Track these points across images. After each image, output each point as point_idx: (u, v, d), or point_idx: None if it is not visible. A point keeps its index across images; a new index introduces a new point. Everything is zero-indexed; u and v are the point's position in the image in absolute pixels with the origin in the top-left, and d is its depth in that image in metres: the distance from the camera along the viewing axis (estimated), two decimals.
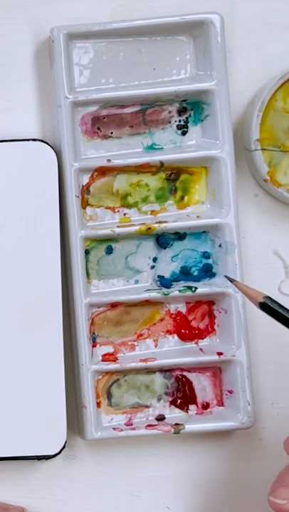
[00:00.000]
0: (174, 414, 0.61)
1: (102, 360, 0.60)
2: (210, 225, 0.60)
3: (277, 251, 0.62)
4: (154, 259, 0.61)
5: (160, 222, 0.60)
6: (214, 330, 0.61)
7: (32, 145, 0.59)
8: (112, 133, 0.61)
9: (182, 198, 0.61)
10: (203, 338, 0.61)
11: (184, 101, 0.60)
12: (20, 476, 0.61)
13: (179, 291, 0.60)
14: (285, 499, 0.49)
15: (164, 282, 0.61)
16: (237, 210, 0.60)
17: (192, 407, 0.61)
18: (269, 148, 0.60)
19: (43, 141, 0.59)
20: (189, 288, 0.60)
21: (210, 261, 0.61)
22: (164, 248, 0.61)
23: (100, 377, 0.60)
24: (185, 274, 0.61)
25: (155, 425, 0.60)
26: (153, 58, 0.61)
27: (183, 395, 0.61)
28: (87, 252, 0.60)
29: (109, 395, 0.61)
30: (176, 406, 0.61)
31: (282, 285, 0.62)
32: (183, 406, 0.61)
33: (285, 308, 0.51)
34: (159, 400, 0.61)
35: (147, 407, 0.61)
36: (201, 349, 0.61)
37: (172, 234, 0.61)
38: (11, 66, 0.62)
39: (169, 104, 0.61)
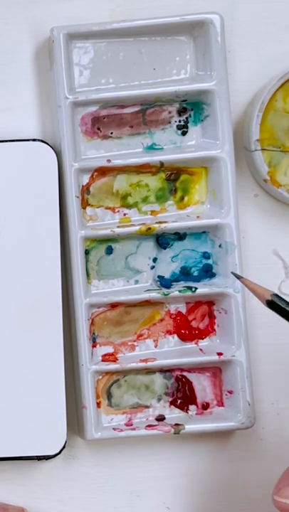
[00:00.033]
0: (174, 414, 0.61)
1: (102, 361, 0.60)
2: (210, 225, 0.60)
3: (277, 251, 0.62)
4: (154, 260, 0.61)
5: (160, 222, 0.60)
6: (214, 330, 0.61)
7: (32, 145, 0.59)
8: (112, 133, 0.61)
9: (182, 198, 0.61)
10: (203, 339, 0.61)
11: (184, 101, 0.60)
12: (21, 476, 0.61)
13: (179, 291, 0.60)
14: None
15: (164, 282, 0.61)
16: (237, 210, 0.60)
17: (192, 407, 0.61)
18: (269, 149, 0.60)
19: (43, 141, 0.59)
20: (189, 288, 0.60)
21: (210, 261, 0.61)
22: (164, 248, 0.61)
23: (100, 377, 0.60)
24: (185, 274, 0.61)
25: (155, 425, 0.60)
26: (153, 58, 0.60)
27: (183, 395, 0.61)
28: (87, 252, 0.60)
29: (109, 395, 0.61)
30: (176, 406, 0.61)
31: (282, 285, 0.62)
32: (183, 406, 0.61)
33: None
34: (159, 400, 0.61)
35: (147, 407, 0.61)
36: (201, 349, 0.61)
37: (172, 234, 0.61)
38: (11, 66, 0.61)
39: (169, 105, 0.61)
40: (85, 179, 0.60)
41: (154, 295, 0.60)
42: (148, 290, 0.60)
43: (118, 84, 0.60)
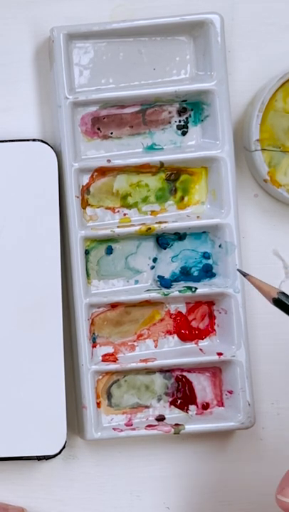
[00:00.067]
0: (174, 414, 0.61)
1: (102, 361, 0.60)
2: (210, 226, 0.60)
3: (277, 251, 0.62)
4: (154, 260, 0.61)
5: (160, 222, 0.60)
6: (214, 330, 0.61)
7: (32, 145, 0.59)
8: (112, 133, 0.61)
9: (182, 198, 0.61)
10: (203, 339, 0.61)
11: (184, 101, 0.60)
12: (21, 476, 0.61)
13: (179, 291, 0.60)
14: None
15: (164, 282, 0.61)
16: (237, 210, 0.60)
17: (192, 407, 0.61)
18: (269, 149, 0.60)
19: (43, 141, 0.59)
20: (189, 288, 0.60)
21: (210, 261, 0.61)
22: (164, 248, 0.61)
23: (100, 377, 0.60)
24: (185, 274, 0.61)
25: (155, 425, 0.60)
26: (153, 58, 0.60)
27: (183, 395, 0.61)
28: (87, 252, 0.60)
29: (109, 395, 0.61)
30: (176, 406, 0.61)
31: (282, 285, 0.62)
32: (183, 406, 0.61)
33: None
34: (159, 400, 0.61)
35: (147, 407, 0.61)
36: (201, 349, 0.61)
37: (172, 234, 0.61)
38: (11, 66, 0.61)
39: (169, 105, 0.61)
40: (85, 179, 0.60)
41: (154, 295, 0.60)
42: (148, 290, 0.60)
43: (118, 84, 0.60)
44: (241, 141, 0.62)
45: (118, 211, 0.61)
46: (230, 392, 0.60)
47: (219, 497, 0.62)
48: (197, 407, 0.61)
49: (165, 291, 0.60)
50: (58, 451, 0.58)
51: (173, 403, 0.61)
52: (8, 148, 0.59)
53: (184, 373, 0.61)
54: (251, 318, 0.61)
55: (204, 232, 0.61)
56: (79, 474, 0.62)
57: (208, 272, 0.61)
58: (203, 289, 0.60)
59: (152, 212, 0.61)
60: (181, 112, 0.61)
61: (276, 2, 0.62)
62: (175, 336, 0.61)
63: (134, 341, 0.61)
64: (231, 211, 0.60)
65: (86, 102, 0.60)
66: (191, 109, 0.61)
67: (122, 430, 0.59)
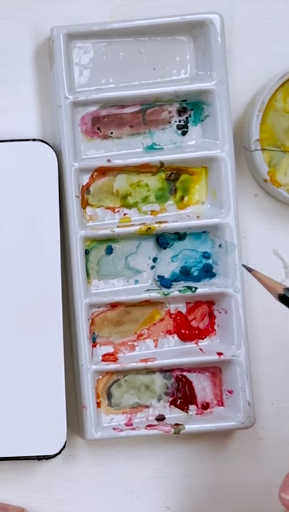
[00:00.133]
0: (174, 414, 0.61)
1: (102, 360, 0.60)
2: (210, 225, 0.60)
3: (277, 251, 0.62)
4: (154, 259, 0.61)
5: (160, 222, 0.60)
6: (214, 330, 0.61)
7: (32, 145, 0.59)
8: (112, 133, 0.61)
9: (182, 198, 0.61)
10: (203, 338, 0.61)
11: (184, 101, 0.60)
12: (20, 476, 0.61)
13: (179, 291, 0.60)
14: None
15: (164, 282, 0.61)
16: (237, 210, 0.60)
17: (192, 407, 0.61)
18: (269, 148, 0.60)
19: (43, 141, 0.59)
20: (189, 288, 0.60)
21: (210, 261, 0.61)
22: (164, 248, 0.61)
23: (100, 377, 0.60)
24: (185, 274, 0.61)
25: (155, 425, 0.60)
26: (153, 58, 0.61)
27: (183, 395, 0.61)
28: (87, 252, 0.60)
29: (109, 395, 0.61)
30: (176, 406, 0.61)
31: None
32: (183, 406, 0.61)
33: None
34: (159, 400, 0.61)
35: (147, 407, 0.61)
36: (201, 349, 0.61)
37: (172, 234, 0.61)
38: (11, 66, 0.62)
39: (169, 104, 0.61)
40: (85, 179, 0.60)
41: (154, 295, 0.60)
42: (148, 290, 0.60)
43: (118, 84, 0.60)
44: (241, 141, 0.62)
45: (118, 211, 0.61)
46: (230, 392, 0.60)
47: (219, 497, 0.62)
48: (197, 407, 0.61)
49: (165, 291, 0.60)
50: (58, 451, 0.58)
51: (173, 403, 0.61)
52: (8, 148, 0.59)
53: (184, 373, 0.61)
54: (251, 318, 0.61)
55: (204, 232, 0.61)
56: (79, 474, 0.62)
57: (208, 272, 0.61)
58: (203, 288, 0.60)
59: (152, 212, 0.61)
60: (181, 111, 0.61)
61: (276, 2, 0.62)
62: (175, 336, 0.61)
63: (134, 341, 0.61)
64: (231, 211, 0.60)
65: (86, 102, 0.60)
66: (191, 109, 0.61)
67: (122, 430, 0.59)
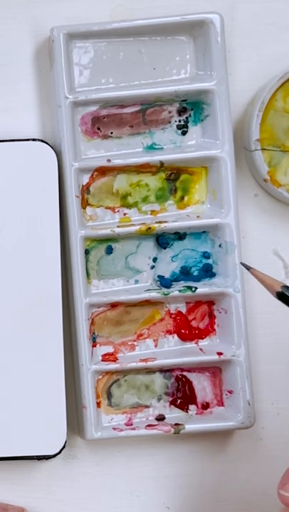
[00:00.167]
0: (174, 414, 0.61)
1: (102, 360, 0.60)
2: (210, 225, 0.60)
3: (277, 251, 0.62)
4: (154, 259, 0.61)
5: (160, 222, 0.60)
6: (214, 330, 0.61)
7: (32, 145, 0.59)
8: (112, 133, 0.61)
9: (182, 198, 0.61)
10: (203, 338, 0.61)
11: (184, 101, 0.60)
12: (20, 476, 0.61)
13: (179, 291, 0.60)
14: None
15: (164, 282, 0.61)
16: (237, 210, 0.60)
17: (192, 407, 0.61)
18: (269, 148, 0.60)
19: (43, 141, 0.59)
20: (189, 288, 0.60)
21: (210, 261, 0.61)
22: (164, 248, 0.61)
23: (100, 377, 0.60)
24: (185, 274, 0.61)
25: (155, 425, 0.60)
26: (153, 58, 0.61)
27: (183, 395, 0.61)
28: (87, 252, 0.60)
29: (109, 395, 0.61)
30: (176, 406, 0.61)
31: None
32: (183, 406, 0.61)
33: None
34: (159, 400, 0.61)
35: (147, 407, 0.61)
36: (201, 349, 0.61)
37: (172, 234, 0.61)
38: (11, 66, 0.62)
39: (169, 104, 0.61)
40: (85, 179, 0.60)
41: (154, 295, 0.60)
42: (148, 290, 0.60)
43: (118, 84, 0.60)
44: (241, 141, 0.62)
45: (118, 211, 0.61)
46: (230, 392, 0.60)
47: (219, 497, 0.62)
48: (197, 406, 0.61)
49: (165, 290, 0.60)
50: (57, 451, 0.58)
51: (173, 403, 0.61)
52: (8, 148, 0.59)
53: (184, 373, 0.61)
54: (251, 318, 0.61)
55: (204, 231, 0.61)
56: (79, 474, 0.62)
57: (208, 272, 0.61)
58: (203, 288, 0.60)
59: (152, 212, 0.61)
60: (181, 111, 0.61)
61: (276, 2, 0.62)
62: (175, 336, 0.61)
63: (134, 341, 0.61)
64: (231, 211, 0.60)
65: (86, 102, 0.60)
66: (191, 108, 0.61)
67: (122, 430, 0.59)
